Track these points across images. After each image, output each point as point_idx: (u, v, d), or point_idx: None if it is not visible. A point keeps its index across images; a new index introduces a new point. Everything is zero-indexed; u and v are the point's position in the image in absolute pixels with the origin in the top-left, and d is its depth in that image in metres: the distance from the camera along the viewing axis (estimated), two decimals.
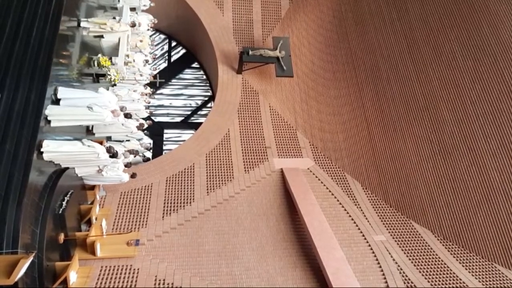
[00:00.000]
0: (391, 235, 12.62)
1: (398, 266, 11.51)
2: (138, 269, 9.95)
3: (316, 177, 14.23)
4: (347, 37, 16.89)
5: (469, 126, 12.88)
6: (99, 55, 11.32)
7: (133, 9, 14.30)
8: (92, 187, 10.85)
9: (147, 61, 14.13)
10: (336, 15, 17.42)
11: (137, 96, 12.88)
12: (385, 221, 13.16)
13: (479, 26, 13.41)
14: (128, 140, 12.27)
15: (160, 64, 20.40)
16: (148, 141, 13.40)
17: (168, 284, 9.88)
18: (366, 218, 13.08)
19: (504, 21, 12.92)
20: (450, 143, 13.15)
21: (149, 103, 14.07)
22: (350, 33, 16.86)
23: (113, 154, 9.57)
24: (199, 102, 20.14)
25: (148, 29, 15.02)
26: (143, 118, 12.96)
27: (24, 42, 8.09)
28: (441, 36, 14.23)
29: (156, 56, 19.58)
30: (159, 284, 9.83)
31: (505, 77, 12.45)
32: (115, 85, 11.85)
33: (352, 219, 12.91)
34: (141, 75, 13.61)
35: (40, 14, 8.66)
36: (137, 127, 11.88)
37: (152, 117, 17.10)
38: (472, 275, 11.35)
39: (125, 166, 10.61)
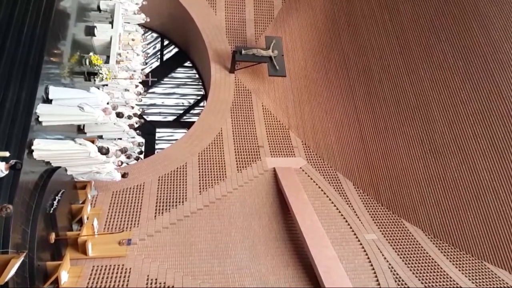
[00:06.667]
0: (382, 233, 12.71)
1: (389, 264, 11.60)
2: (130, 268, 9.91)
3: (309, 176, 14.28)
4: (340, 38, 16.96)
5: (459, 126, 13.03)
6: (91, 53, 11.23)
7: None
8: (84, 186, 10.76)
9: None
10: (328, 15, 17.48)
11: (125, 83, 12.82)
12: (376, 220, 13.26)
13: (470, 27, 13.57)
14: (120, 139, 12.21)
15: (152, 63, 20.32)
16: (140, 140, 13.32)
17: (160, 283, 9.86)
18: (358, 217, 13.16)
19: (494, 22, 13.10)
20: (441, 142, 13.29)
21: (140, 101, 14.03)
22: (343, 34, 16.94)
23: (105, 153, 9.51)
24: (192, 101, 20.10)
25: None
26: (135, 115, 12.90)
27: (15, 40, 8.01)
28: (432, 37, 14.37)
29: (149, 55, 19.53)
30: (151, 283, 9.79)
31: (495, 77, 12.62)
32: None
33: (344, 218, 12.99)
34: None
35: (31, 12, 8.57)
36: (129, 125, 11.84)
37: (144, 116, 17.04)
38: (462, 273, 11.48)
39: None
